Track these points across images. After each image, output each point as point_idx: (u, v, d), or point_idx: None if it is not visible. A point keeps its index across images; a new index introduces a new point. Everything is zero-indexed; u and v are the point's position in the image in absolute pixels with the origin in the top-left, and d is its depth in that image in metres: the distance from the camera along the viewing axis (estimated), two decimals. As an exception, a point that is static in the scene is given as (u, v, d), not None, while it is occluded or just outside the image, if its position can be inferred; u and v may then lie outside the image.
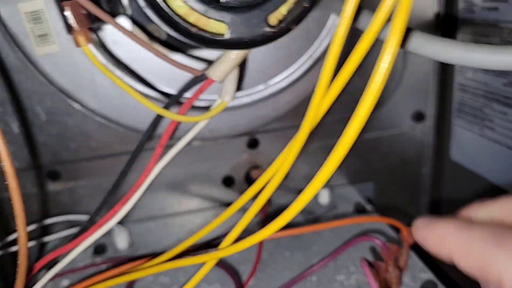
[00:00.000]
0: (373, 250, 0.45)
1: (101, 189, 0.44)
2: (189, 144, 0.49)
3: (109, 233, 0.50)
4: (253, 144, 0.53)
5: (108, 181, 0.43)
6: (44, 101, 0.44)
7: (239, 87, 0.46)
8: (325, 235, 0.49)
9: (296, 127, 0.30)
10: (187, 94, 0.40)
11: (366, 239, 0.37)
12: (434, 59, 0.36)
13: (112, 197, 0.42)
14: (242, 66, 0.46)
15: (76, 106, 0.45)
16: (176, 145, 0.40)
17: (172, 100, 0.40)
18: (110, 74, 0.34)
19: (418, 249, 0.44)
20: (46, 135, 0.46)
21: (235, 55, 0.36)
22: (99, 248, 0.50)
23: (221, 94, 0.40)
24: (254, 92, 0.47)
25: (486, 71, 0.47)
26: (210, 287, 0.43)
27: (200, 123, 0.40)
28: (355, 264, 0.44)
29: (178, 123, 0.42)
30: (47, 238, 0.50)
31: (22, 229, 0.32)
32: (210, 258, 0.33)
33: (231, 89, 0.39)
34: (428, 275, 0.41)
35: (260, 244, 0.47)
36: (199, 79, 0.37)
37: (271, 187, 0.30)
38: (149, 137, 0.40)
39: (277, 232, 0.46)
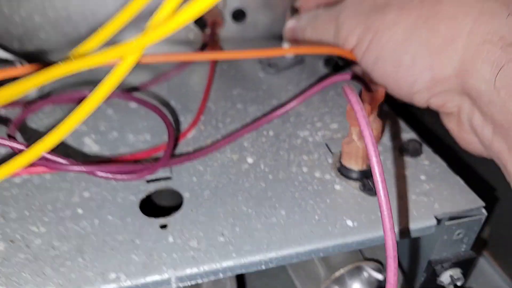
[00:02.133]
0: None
1: None
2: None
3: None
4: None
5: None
6: None
7: None
8: (288, 89, 0.40)
9: None
10: None
11: (341, 79, 0.28)
12: None
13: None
14: None
15: None
16: None
17: None
18: None
19: (399, 110, 0.36)
20: None
21: None
22: None
23: None
24: None
25: None
26: (138, 137, 0.33)
27: None
28: (322, 119, 0.35)
29: None
30: None
31: None
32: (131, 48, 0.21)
33: None
34: (410, 134, 0.34)
35: (207, 91, 0.37)
36: None
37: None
38: None
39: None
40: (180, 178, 0.29)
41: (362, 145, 0.27)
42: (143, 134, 0.34)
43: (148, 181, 0.29)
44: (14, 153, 0.27)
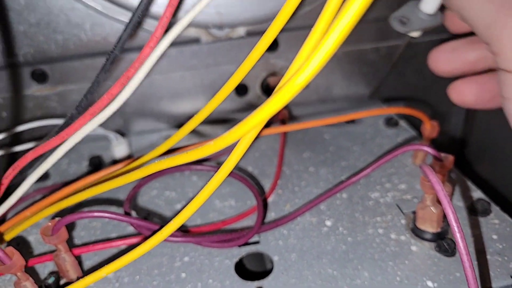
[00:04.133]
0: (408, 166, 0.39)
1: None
2: (197, 41, 0.42)
3: (107, 145, 0.44)
4: (272, 45, 0.45)
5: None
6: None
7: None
8: (354, 150, 0.43)
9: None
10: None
11: (413, 148, 0.31)
12: None
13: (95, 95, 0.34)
14: None
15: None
16: (177, 25, 0.32)
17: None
18: None
19: (465, 169, 0.38)
20: (27, 23, 0.39)
21: None
22: (94, 160, 0.44)
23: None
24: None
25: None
26: (224, 203, 0.37)
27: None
28: (390, 180, 0.38)
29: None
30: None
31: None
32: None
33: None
34: (478, 194, 0.36)
35: (281, 157, 0.41)
36: None
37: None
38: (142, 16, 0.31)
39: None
40: (267, 242, 0.32)
41: (437, 210, 0.29)
42: (228, 200, 0.37)
43: (240, 246, 0.32)
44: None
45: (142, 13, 0.30)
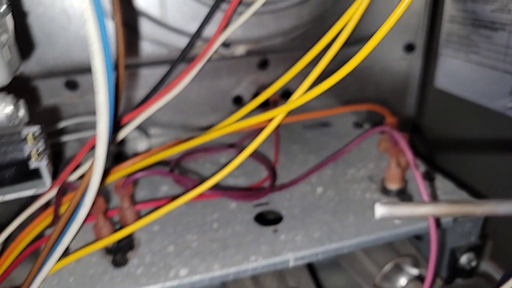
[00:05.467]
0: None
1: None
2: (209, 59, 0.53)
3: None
4: (263, 64, 0.57)
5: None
6: None
7: None
8: (332, 143, 0.55)
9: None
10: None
11: (379, 129, 0.43)
12: None
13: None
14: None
15: None
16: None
17: None
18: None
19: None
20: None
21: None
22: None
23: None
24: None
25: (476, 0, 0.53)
26: (236, 180, 0.47)
27: None
28: (361, 162, 0.50)
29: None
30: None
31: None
32: (279, 112, 0.34)
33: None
34: (423, 168, 0.48)
35: (276, 143, 0.52)
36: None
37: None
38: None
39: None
40: (275, 203, 0.43)
41: (399, 170, 0.41)
42: (240, 177, 0.47)
43: (255, 206, 0.42)
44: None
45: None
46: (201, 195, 0.39)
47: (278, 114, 0.32)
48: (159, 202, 0.41)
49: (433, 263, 0.33)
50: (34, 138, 0.26)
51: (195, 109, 0.57)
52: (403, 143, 0.36)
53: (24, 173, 0.27)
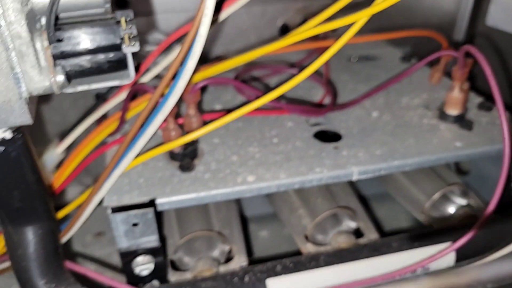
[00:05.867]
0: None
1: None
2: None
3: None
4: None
5: None
6: None
7: None
8: (381, 75, 0.54)
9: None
10: None
11: (440, 54, 0.42)
12: None
13: None
14: None
15: None
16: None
17: None
18: None
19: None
20: None
21: None
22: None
23: None
24: None
25: None
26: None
27: None
28: (414, 92, 0.49)
29: None
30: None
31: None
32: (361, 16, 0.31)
33: None
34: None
35: (326, 69, 0.52)
36: None
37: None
38: None
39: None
40: (331, 123, 0.43)
41: (462, 95, 0.41)
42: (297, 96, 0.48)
43: (312, 125, 0.43)
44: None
45: None
46: (263, 110, 0.40)
47: (360, 18, 0.31)
48: (221, 113, 0.41)
49: (503, 180, 0.33)
50: (127, 22, 0.26)
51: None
52: (485, 65, 0.35)
53: (111, 61, 0.27)
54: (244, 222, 0.51)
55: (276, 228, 0.54)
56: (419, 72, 0.53)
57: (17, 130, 0.29)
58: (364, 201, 0.47)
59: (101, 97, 0.48)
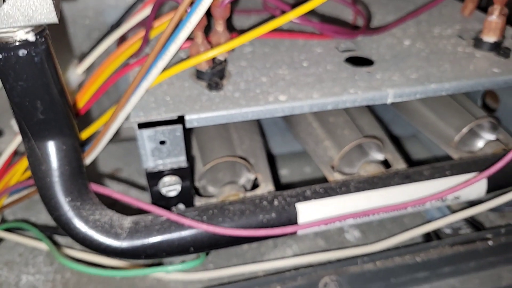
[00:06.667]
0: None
1: None
2: None
3: None
4: None
5: None
6: None
7: None
8: (409, 7, 0.52)
9: None
10: None
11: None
12: None
13: None
14: None
15: None
16: None
17: None
18: None
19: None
20: None
21: None
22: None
23: None
24: None
25: None
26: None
27: None
28: (446, 23, 0.47)
29: None
30: None
31: None
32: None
33: None
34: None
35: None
36: None
37: None
38: None
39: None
40: (362, 50, 0.41)
41: (502, 20, 0.39)
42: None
43: (342, 51, 0.41)
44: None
45: None
46: (292, 33, 0.38)
47: None
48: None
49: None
50: None
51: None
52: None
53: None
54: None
55: (297, 166, 0.53)
56: (450, 6, 0.51)
57: (40, 33, 0.27)
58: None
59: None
